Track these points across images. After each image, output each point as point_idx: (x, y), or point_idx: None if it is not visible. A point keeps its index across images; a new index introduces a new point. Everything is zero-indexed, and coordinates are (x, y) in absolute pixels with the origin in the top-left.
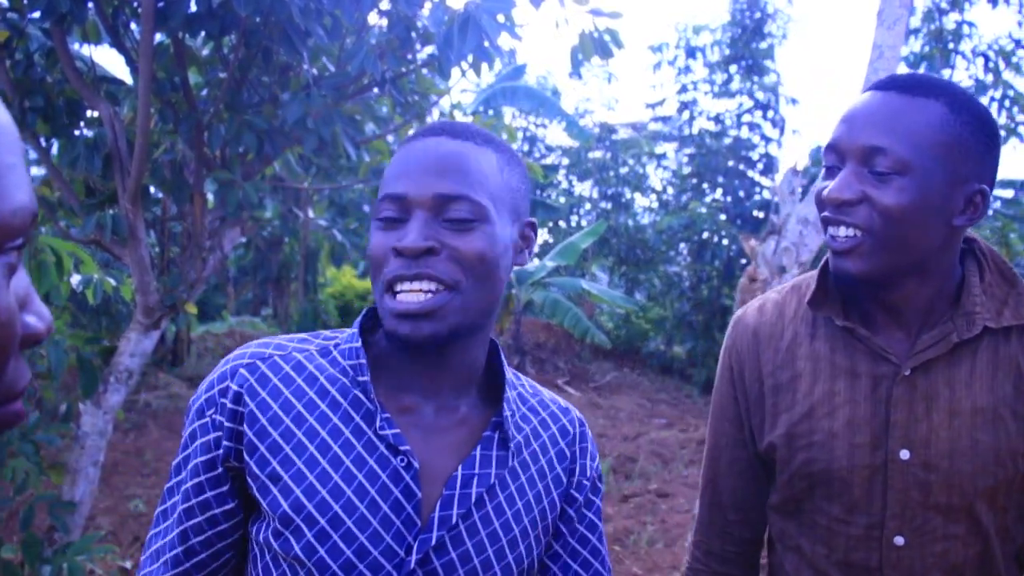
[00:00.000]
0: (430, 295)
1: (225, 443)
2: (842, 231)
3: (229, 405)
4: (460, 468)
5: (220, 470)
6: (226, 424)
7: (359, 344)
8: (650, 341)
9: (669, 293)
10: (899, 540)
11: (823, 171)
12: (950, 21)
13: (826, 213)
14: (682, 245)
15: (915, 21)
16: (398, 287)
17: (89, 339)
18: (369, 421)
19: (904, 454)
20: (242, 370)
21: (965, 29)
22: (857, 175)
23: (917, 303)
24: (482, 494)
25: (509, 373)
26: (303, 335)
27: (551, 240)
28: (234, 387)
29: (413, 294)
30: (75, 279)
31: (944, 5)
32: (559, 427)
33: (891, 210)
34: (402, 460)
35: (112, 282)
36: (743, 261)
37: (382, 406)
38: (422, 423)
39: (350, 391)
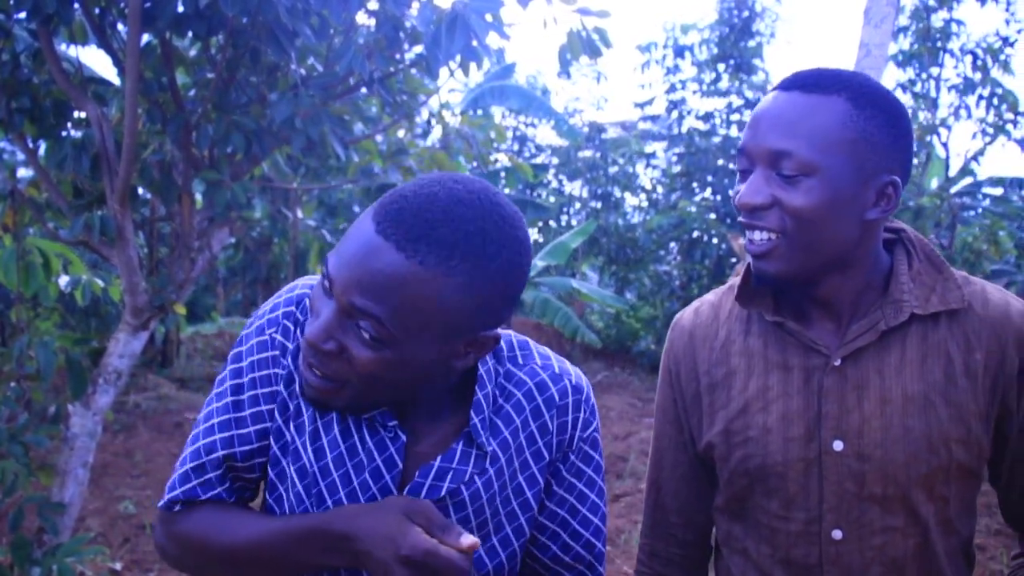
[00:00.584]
0: (321, 380)
1: (283, 362)
2: (757, 235)
3: (292, 329)
4: (439, 459)
5: (276, 387)
6: (288, 346)
7: None
8: (640, 340)
9: (659, 292)
10: (837, 534)
11: (738, 175)
12: (938, 19)
13: (741, 218)
14: (672, 244)
15: (903, 19)
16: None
17: (78, 340)
18: None
19: (837, 445)
20: (307, 300)
21: (953, 27)
22: (766, 179)
23: (844, 295)
24: (458, 488)
25: (490, 362)
26: None
27: (541, 240)
28: (298, 314)
29: (310, 373)
30: (63, 280)
31: (932, 3)
32: (545, 398)
33: (801, 212)
34: (390, 432)
35: (100, 283)
36: (733, 260)
37: None
38: (425, 408)
39: None
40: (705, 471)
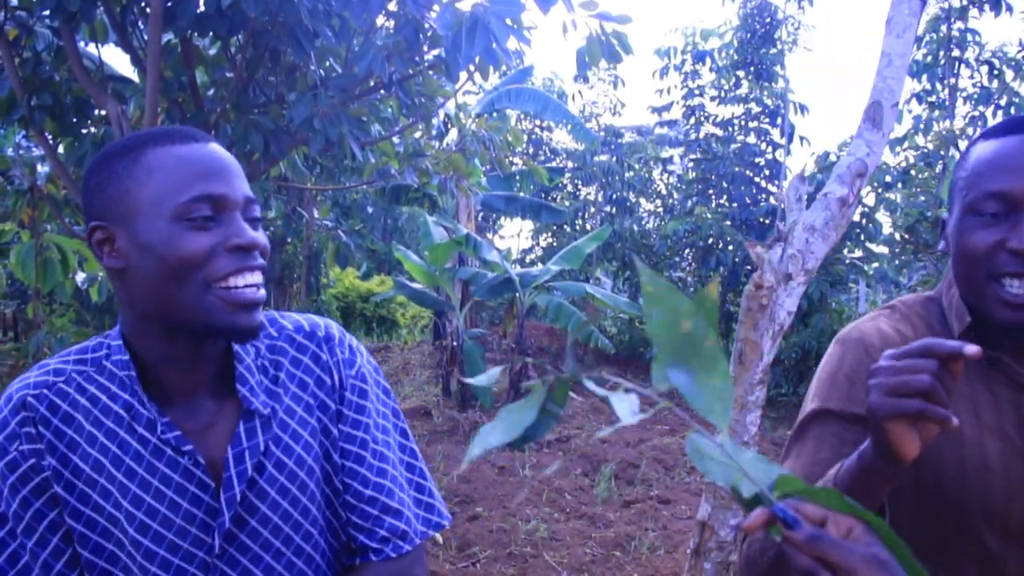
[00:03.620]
0: (259, 284)
1: (44, 463)
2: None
3: (32, 432)
4: (229, 449)
5: (52, 490)
6: (34, 449)
7: (127, 356)
8: (654, 347)
9: None
10: None
11: (976, 219)
12: (954, 29)
13: (1011, 267)
14: (687, 251)
15: (919, 29)
16: (231, 282)
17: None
18: (151, 429)
19: None
20: (30, 399)
21: (969, 37)
22: None
23: None
24: (259, 461)
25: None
26: (75, 353)
27: (555, 244)
28: (29, 416)
29: (252, 288)
30: (80, 276)
31: (951, 14)
32: (310, 355)
33: None
34: (189, 459)
35: None
36: (748, 268)
37: (160, 412)
38: (190, 426)
39: (131, 404)
40: None
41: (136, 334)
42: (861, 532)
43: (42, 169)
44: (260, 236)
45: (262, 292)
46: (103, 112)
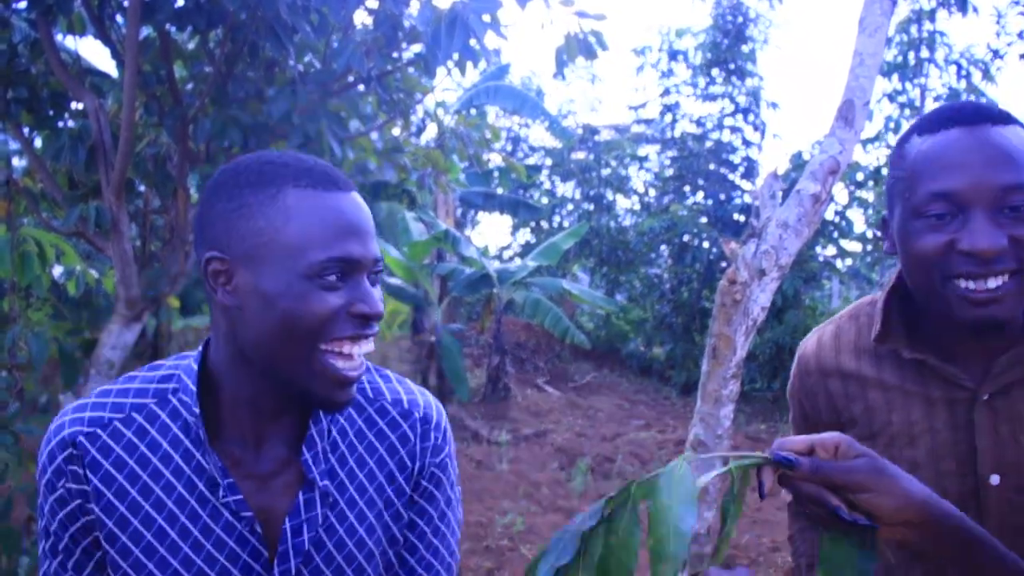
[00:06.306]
0: (365, 357)
1: (88, 507)
2: (993, 282)
3: (79, 472)
4: (287, 520)
5: (96, 534)
6: (81, 490)
7: (192, 401)
8: (630, 342)
9: (649, 295)
10: None
11: (922, 221)
12: (923, 31)
13: (967, 268)
14: (663, 247)
15: (890, 30)
16: (346, 348)
17: (70, 331)
18: (212, 487)
19: (994, 479)
20: (82, 438)
21: (938, 39)
22: (993, 219)
23: (1015, 330)
24: (318, 536)
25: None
26: (139, 382)
27: (533, 240)
28: (77, 454)
29: (358, 360)
30: (57, 270)
31: (915, 14)
32: (398, 435)
33: None
34: (246, 525)
35: (94, 274)
36: (723, 264)
37: (224, 471)
38: (256, 473)
39: (192, 456)
40: None
41: (228, 369)
42: (847, 446)
43: (19, 163)
44: (380, 298)
45: (364, 366)
46: (80, 106)
